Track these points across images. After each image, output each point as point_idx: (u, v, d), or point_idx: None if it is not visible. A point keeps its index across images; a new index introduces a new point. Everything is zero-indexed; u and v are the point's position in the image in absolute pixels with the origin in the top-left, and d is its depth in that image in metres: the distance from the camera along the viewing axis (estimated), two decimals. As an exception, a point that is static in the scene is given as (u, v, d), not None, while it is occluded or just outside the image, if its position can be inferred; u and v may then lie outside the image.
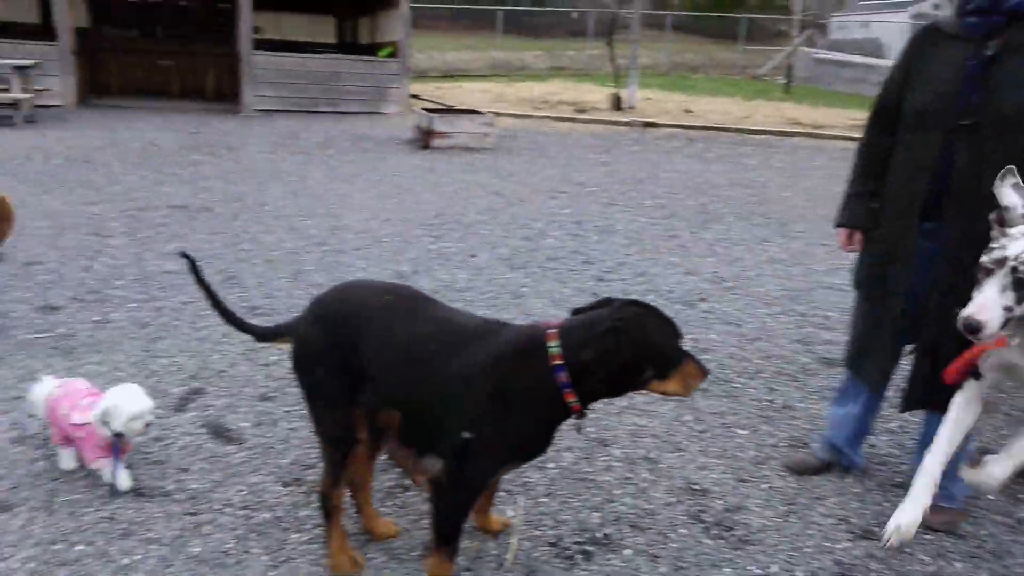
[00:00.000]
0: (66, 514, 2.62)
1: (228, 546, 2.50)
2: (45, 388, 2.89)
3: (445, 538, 2.20)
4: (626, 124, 14.69)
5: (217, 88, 16.12)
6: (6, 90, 10.93)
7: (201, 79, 16.21)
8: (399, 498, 2.80)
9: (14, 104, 10.77)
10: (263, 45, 14.11)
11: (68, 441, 2.80)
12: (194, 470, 2.90)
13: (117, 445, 2.70)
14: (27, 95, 11.00)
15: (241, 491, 2.79)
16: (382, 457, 2.77)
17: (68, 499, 2.70)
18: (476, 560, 2.48)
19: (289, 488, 2.82)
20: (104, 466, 2.72)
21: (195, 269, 2.56)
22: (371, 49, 16.38)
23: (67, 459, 2.84)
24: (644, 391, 2.15)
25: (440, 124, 10.88)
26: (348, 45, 18.17)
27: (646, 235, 6.70)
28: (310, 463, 2.97)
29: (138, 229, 6.03)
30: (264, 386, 3.59)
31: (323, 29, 18.61)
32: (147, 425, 2.73)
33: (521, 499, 2.82)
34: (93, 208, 6.60)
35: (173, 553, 2.45)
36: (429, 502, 2.21)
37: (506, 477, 2.89)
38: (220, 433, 3.17)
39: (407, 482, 2.87)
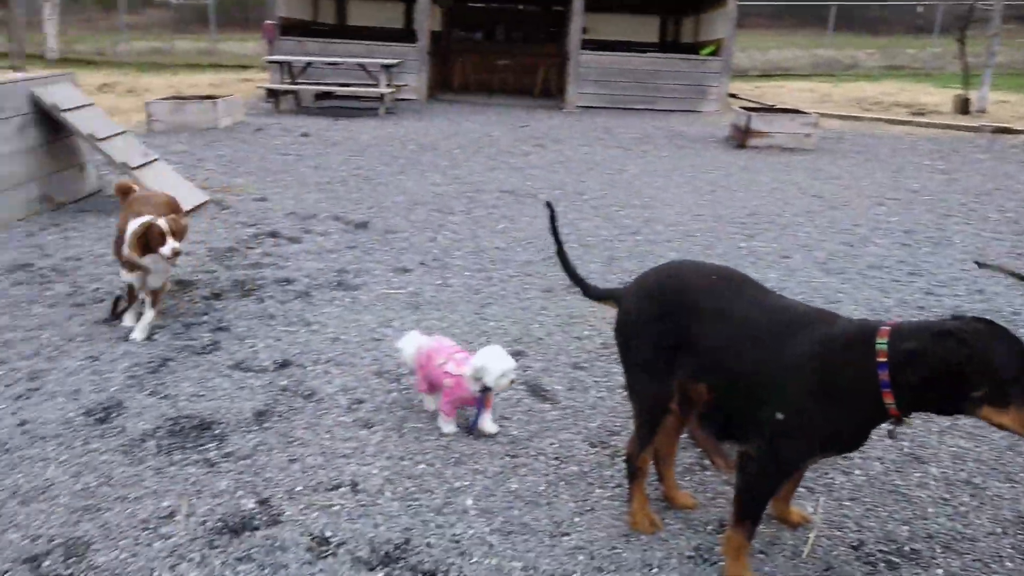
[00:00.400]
0: (412, 438, 3.10)
1: (541, 488, 2.79)
2: (419, 339, 3.30)
3: (745, 515, 2.26)
4: (973, 129, 13.11)
5: (544, 86, 17.22)
6: (375, 85, 12.73)
7: (530, 77, 17.42)
8: (698, 476, 2.91)
9: (380, 97, 12.52)
10: (589, 45, 14.80)
11: (431, 388, 3.24)
12: (514, 420, 3.25)
13: (482, 398, 3.07)
14: (390, 90, 12.71)
15: (553, 444, 3.08)
16: (683, 435, 2.89)
17: (414, 426, 3.18)
18: (771, 545, 2.51)
19: (595, 448, 3.06)
20: (446, 419, 3.11)
21: (553, 219, 2.84)
22: (692, 48, 16.41)
23: (430, 402, 3.27)
24: (974, 416, 1.96)
25: (759, 123, 10.62)
26: (670, 44, 18.36)
27: (990, 251, 6.00)
28: (615, 429, 3.19)
29: (473, 209, 6.75)
30: (577, 356, 3.88)
31: (647, 29, 19.01)
32: (512, 382, 3.08)
33: (822, 498, 2.77)
34: (438, 188, 7.51)
35: (495, 485, 2.80)
36: (735, 478, 2.29)
37: (809, 475, 2.87)
38: (537, 392, 3.51)
39: (706, 462, 2.96)
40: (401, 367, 3.65)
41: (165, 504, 2.63)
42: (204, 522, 2.54)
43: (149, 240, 3.78)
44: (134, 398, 3.31)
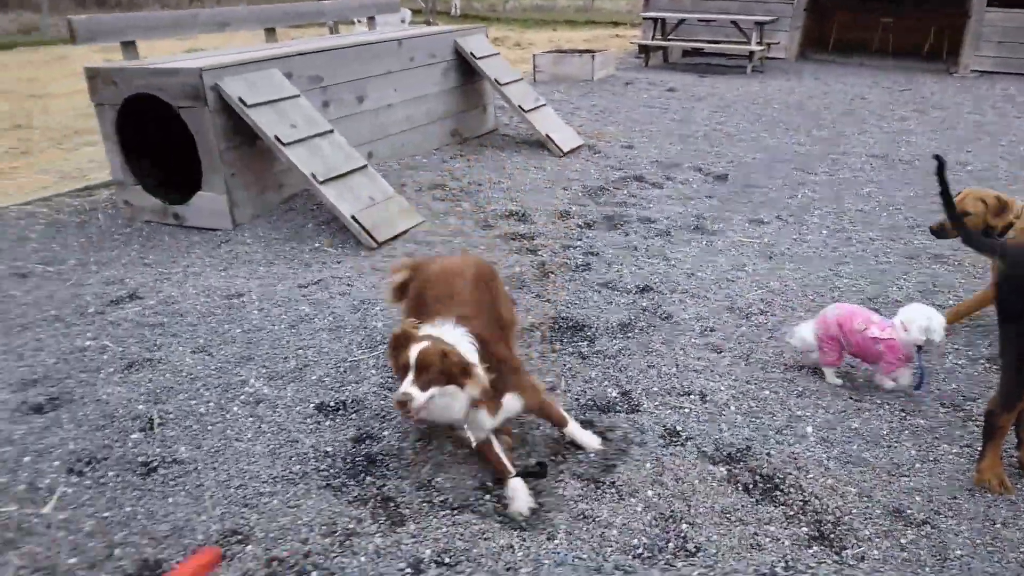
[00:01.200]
0: (758, 367, 3.35)
1: (883, 432, 2.89)
2: (811, 326, 3.29)
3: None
4: None
5: (931, 47, 15.57)
6: (745, 43, 12.62)
7: (917, 38, 15.82)
8: (1062, 454, 2.78)
9: (748, 55, 12.40)
10: (997, 2, 13.03)
11: (837, 360, 3.24)
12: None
13: (919, 354, 3.10)
14: (760, 48, 12.51)
15: (900, 397, 3.13)
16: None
17: (760, 358, 3.43)
18: None
19: (947, 409, 3.05)
20: (901, 374, 3.14)
21: (941, 169, 2.77)
22: None
23: (831, 374, 3.27)
24: None
25: None
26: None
27: None
28: (971, 396, 3.13)
29: (837, 171, 6.60)
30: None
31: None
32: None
33: None
34: (800, 148, 7.41)
35: (836, 420, 2.96)
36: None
37: None
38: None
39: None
40: (750, 307, 3.90)
41: (548, 379, 3.21)
42: (577, 399, 3.08)
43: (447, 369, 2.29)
44: (524, 297, 3.99)
